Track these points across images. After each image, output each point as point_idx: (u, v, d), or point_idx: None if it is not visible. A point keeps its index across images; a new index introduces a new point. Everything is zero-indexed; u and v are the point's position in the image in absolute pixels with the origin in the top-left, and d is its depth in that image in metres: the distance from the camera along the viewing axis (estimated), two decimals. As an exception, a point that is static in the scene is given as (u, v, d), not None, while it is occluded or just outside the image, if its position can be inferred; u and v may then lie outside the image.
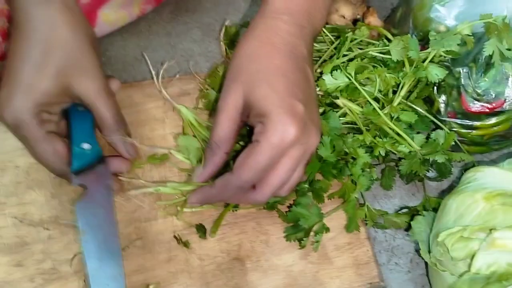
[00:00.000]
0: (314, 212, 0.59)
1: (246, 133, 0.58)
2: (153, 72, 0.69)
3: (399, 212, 0.64)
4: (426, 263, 0.60)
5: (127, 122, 0.60)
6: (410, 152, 0.62)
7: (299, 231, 0.59)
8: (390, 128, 0.62)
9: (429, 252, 0.54)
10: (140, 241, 0.59)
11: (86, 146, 0.57)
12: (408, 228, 0.61)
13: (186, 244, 0.59)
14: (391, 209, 0.65)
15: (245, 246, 0.60)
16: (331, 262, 0.60)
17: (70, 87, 0.55)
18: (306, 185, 0.61)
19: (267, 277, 0.59)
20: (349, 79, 0.62)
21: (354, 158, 0.62)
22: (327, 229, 0.60)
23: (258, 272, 0.59)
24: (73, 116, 0.58)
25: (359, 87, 0.62)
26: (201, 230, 0.60)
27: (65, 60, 0.55)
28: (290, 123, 0.50)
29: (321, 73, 0.66)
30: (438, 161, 0.61)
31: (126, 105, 0.67)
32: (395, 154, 0.64)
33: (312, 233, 0.60)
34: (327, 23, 0.70)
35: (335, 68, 0.65)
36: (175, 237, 0.60)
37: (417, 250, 0.62)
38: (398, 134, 0.62)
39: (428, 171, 0.64)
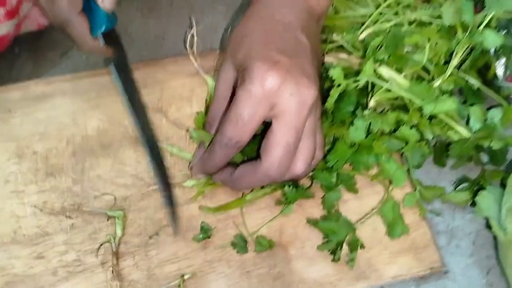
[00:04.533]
0: (342, 224, 0.53)
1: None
2: (191, 36, 0.63)
3: (458, 188, 0.58)
4: (494, 244, 0.54)
5: None
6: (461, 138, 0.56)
7: (329, 243, 0.53)
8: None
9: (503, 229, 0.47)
10: (172, 228, 0.54)
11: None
12: (471, 205, 0.54)
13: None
14: (447, 185, 0.59)
15: (287, 231, 0.54)
16: (386, 246, 0.54)
17: None
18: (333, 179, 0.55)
19: (313, 265, 0.53)
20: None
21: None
22: (362, 245, 0.53)
23: (303, 260, 0.53)
24: None
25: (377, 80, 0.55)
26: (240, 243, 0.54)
27: None
28: (267, 69, 0.47)
29: (363, 41, 0.60)
30: (492, 147, 0.55)
31: (149, 83, 0.63)
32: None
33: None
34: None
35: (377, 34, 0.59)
36: (208, 222, 0.54)
37: (480, 231, 0.56)
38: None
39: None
